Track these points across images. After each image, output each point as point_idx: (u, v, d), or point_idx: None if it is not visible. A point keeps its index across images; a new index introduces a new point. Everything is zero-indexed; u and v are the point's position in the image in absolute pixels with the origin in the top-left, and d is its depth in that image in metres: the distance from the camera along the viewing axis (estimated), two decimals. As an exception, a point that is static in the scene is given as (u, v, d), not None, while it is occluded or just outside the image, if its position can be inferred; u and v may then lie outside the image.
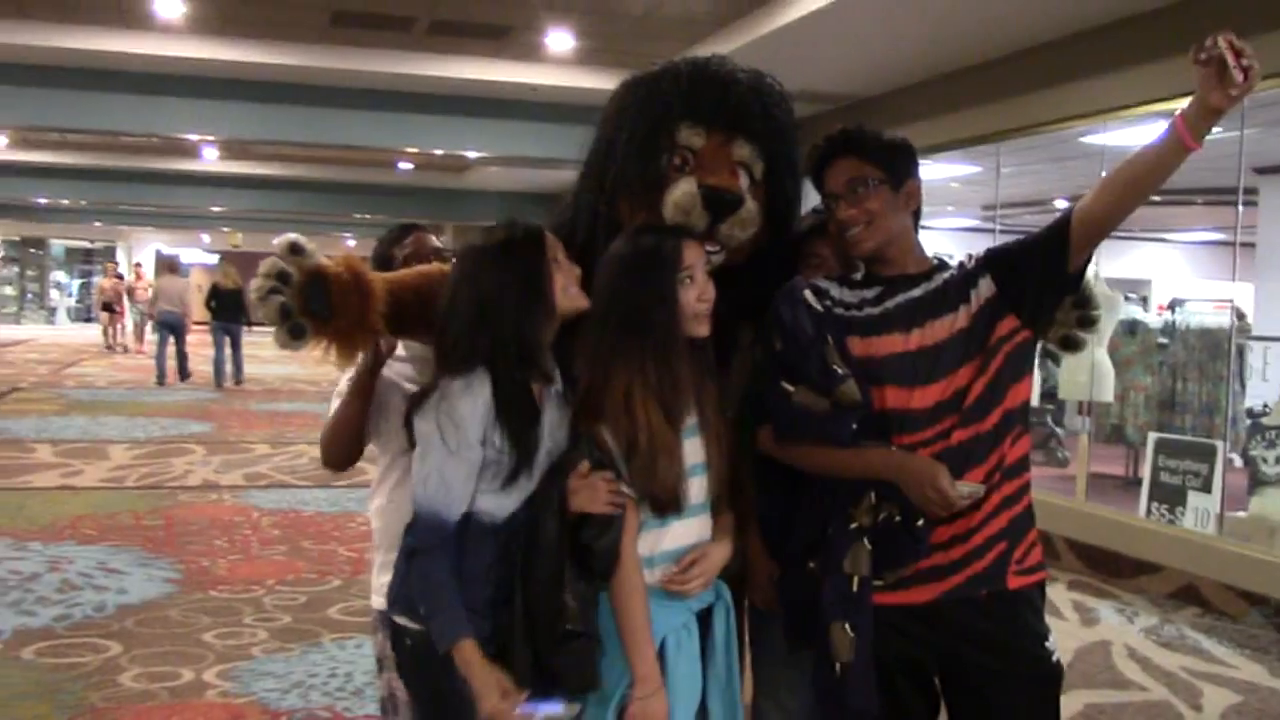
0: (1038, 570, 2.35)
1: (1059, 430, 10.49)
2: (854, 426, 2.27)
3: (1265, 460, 6.90)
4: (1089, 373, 8.49)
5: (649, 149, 2.49)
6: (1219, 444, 7.12)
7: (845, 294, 2.37)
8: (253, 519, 7.61)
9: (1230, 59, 1.95)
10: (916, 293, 2.32)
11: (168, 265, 18.46)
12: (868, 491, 2.27)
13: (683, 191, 2.41)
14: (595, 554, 2.17)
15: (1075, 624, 5.90)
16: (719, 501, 2.36)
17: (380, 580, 2.66)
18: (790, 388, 2.31)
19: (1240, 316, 11.77)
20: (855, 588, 2.25)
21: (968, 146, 8.81)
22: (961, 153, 9.39)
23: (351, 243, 30.55)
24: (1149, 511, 7.20)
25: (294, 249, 2.31)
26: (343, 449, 2.66)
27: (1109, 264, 19.22)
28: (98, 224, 29.37)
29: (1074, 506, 7.46)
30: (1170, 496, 7.13)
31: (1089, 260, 2.27)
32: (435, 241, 2.93)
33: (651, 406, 2.20)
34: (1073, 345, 2.78)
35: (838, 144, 2.37)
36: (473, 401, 2.17)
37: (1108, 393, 8.83)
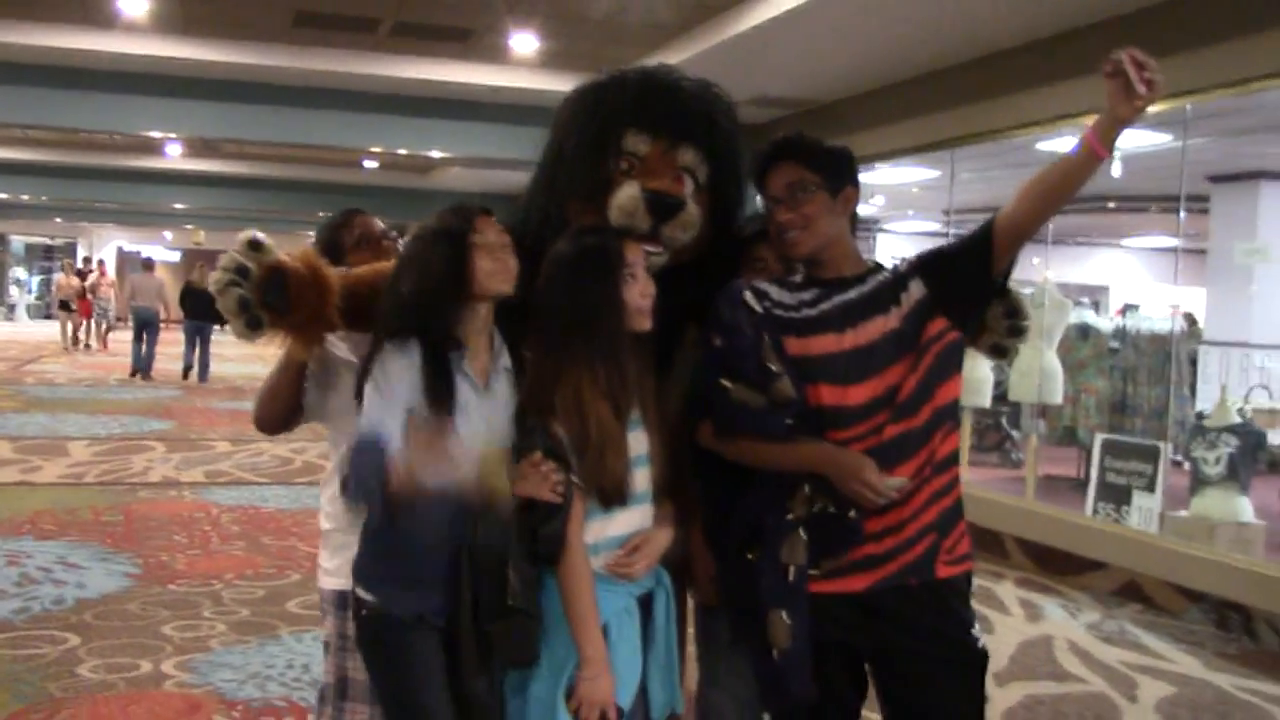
0: (965, 560, 2.47)
1: (1014, 433, 10.66)
2: (788, 422, 2.37)
3: (1206, 461, 7.07)
4: (1038, 375, 8.65)
5: (597, 154, 2.61)
6: (1162, 445, 7.30)
7: (784, 295, 2.48)
8: (212, 515, 7.65)
9: (1133, 72, 2.09)
10: (851, 295, 2.43)
11: (143, 263, 18.58)
12: (802, 484, 2.38)
13: (627, 195, 2.52)
14: (540, 539, 2.28)
15: (1020, 619, 6.04)
16: (660, 491, 2.46)
17: (333, 563, 2.74)
18: (729, 384, 2.41)
19: (1192, 322, 12.02)
20: (792, 577, 2.36)
21: (924, 152, 8.97)
22: (922, 157, 9.54)
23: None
24: (1095, 511, 7.36)
25: (254, 245, 2.41)
26: (275, 416, 2.78)
27: (1068, 269, 19.60)
28: (58, 220, 29.16)
29: (1023, 506, 7.62)
30: (1116, 496, 7.29)
31: (1013, 263, 2.39)
32: (380, 224, 3.00)
33: (600, 402, 2.32)
34: (1001, 353, 2.92)
35: (779, 150, 2.47)
36: (404, 361, 2.30)
37: (1057, 395, 8.99)
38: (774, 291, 2.48)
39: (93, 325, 23.76)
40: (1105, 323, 10.22)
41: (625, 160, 2.60)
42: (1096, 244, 20.57)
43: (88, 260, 27.24)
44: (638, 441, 2.40)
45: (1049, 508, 7.57)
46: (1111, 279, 20.97)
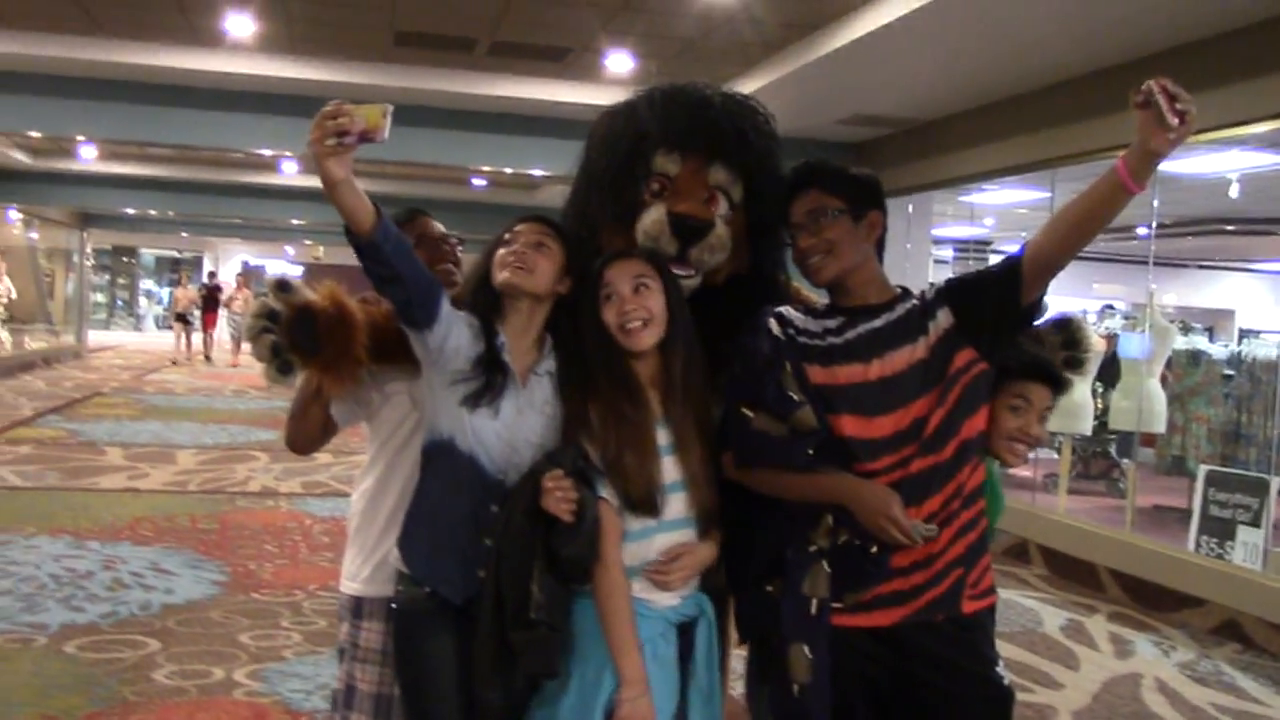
0: (990, 594, 2.39)
1: (1123, 461, 10.34)
2: (810, 452, 2.32)
3: (1315, 495, 6.76)
4: (1139, 402, 8.38)
5: (626, 177, 2.59)
6: (1271, 478, 7.00)
7: (809, 323, 2.43)
8: (305, 525, 7.80)
9: (1164, 103, 1.98)
10: (878, 323, 2.37)
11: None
12: (825, 515, 2.32)
13: (652, 219, 2.50)
14: (563, 560, 2.26)
15: (1109, 655, 5.83)
16: (705, 517, 2.41)
17: (351, 568, 2.76)
18: (750, 413, 2.36)
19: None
20: (814, 610, 2.30)
21: (1025, 172, 8.76)
22: (1024, 177, 9.32)
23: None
24: (1198, 545, 7.10)
25: (282, 286, 2.48)
26: (307, 435, 2.79)
27: (1190, 293, 19.00)
28: (185, 235, 30.13)
29: (1120, 537, 7.37)
30: (1220, 530, 7.02)
31: (1044, 293, 2.30)
32: (440, 227, 3.01)
33: (610, 415, 2.32)
34: (1059, 386, 2.80)
35: (801, 177, 2.45)
36: (469, 318, 2.45)
37: (1159, 423, 8.70)
38: (799, 319, 2.43)
39: (213, 338, 23.96)
40: (1219, 349, 9.86)
41: (656, 181, 2.57)
42: (1221, 267, 19.92)
43: (213, 274, 27.23)
44: (676, 466, 2.37)
45: (1147, 540, 7.31)
46: (1237, 303, 20.30)
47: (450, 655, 2.37)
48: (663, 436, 2.37)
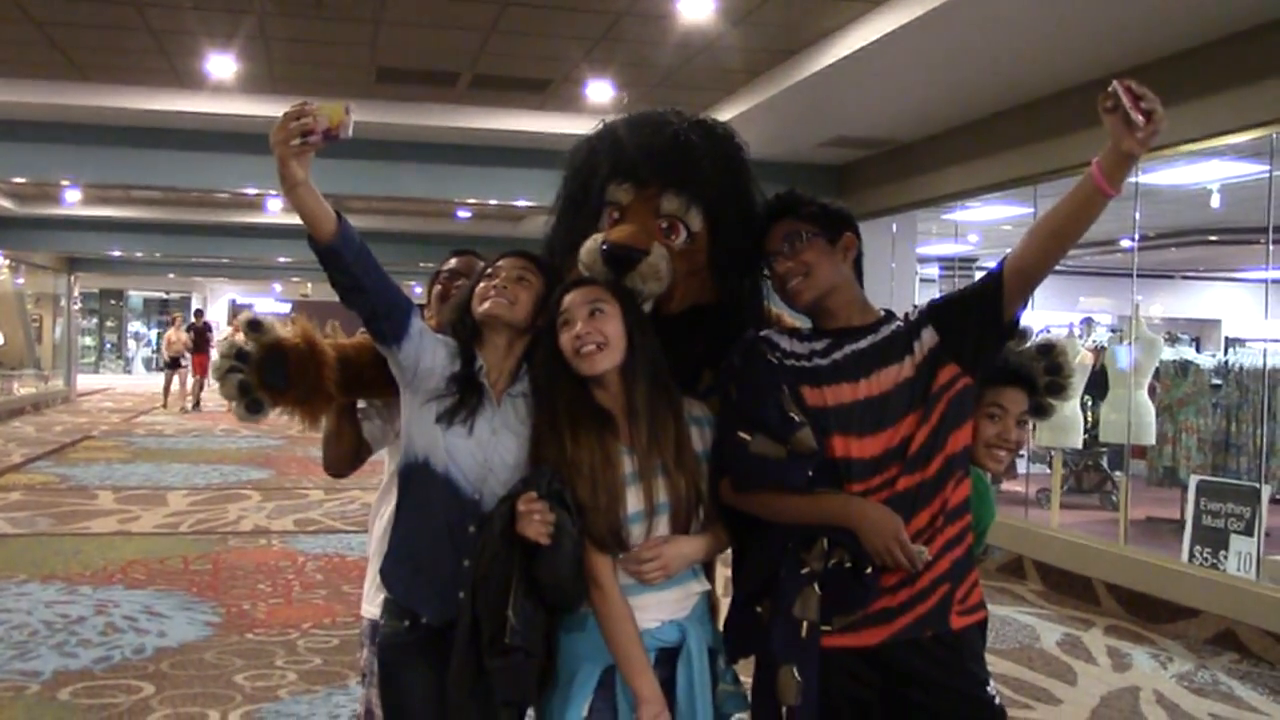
0: (979, 610, 2.39)
1: (1115, 474, 10.36)
2: (810, 474, 2.32)
3: (1306, 502, 6.78)
4: (1128, 415, 8.40)
5: (583, 208, 2.62)
6: (1262, 486, 7.02)
7: (796, 345, 2.43)
8: (298, 563, 7.77)
9: (1128, 102, 2.00)
10: (863, 344, 2.38)
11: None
12: (820, 537, 2.32)
13: (586, 249, 2.53)
14: (542, 586, 2.26)
15: (1106, 669, 5.83)
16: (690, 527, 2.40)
17: (370, 590, 2.78)
18: (747, 436, 2.35)
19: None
20: (805, 633, 2.29)
21: (1007, 189, 8.80)
22: (1006, 194, 9.36)
23: (418, 290, 30.99)
24: (1192, 555, 7.10)
25: (252, 325, 2.50)
26: (341, 458, 2.84)
27: (1176, 304, 19.07)
28: (171, 275, 30.13)
29: (1114, 550, 7.37)
30: (1213, 540, 7.03)
31: (1023, 309, 2.31)
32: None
33: (580, 443, 2.34)
34: (1042, 412, 2.81)
35: (775, 208, 2.48)
36: (445, 339, 2.51)
37: (1148, 435, 8.72)
38: (785, 342, 2.44)
39: (204, 383, 21.76)
40: (1206, 359, 9.89)
41: (612, 210, 2.59)
42: (1206, 277, 19.99)
43: (200, 313, 25.28)
44: (638, 496, 2.35)
45: (1141, 552, 7.32)
46: (1223, 312, 20.35)
47: (430, 688, 2.37)
48: (627, 465, 2.36)
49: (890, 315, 2.45)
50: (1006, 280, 2.26)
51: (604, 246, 2.48)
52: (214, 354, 2.62)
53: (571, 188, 2.68)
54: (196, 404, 21.82)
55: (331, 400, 2.58)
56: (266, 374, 2.48)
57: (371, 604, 2.78)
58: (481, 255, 2.95)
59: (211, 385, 17.78)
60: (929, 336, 2.34)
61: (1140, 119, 2.01)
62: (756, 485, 2.38)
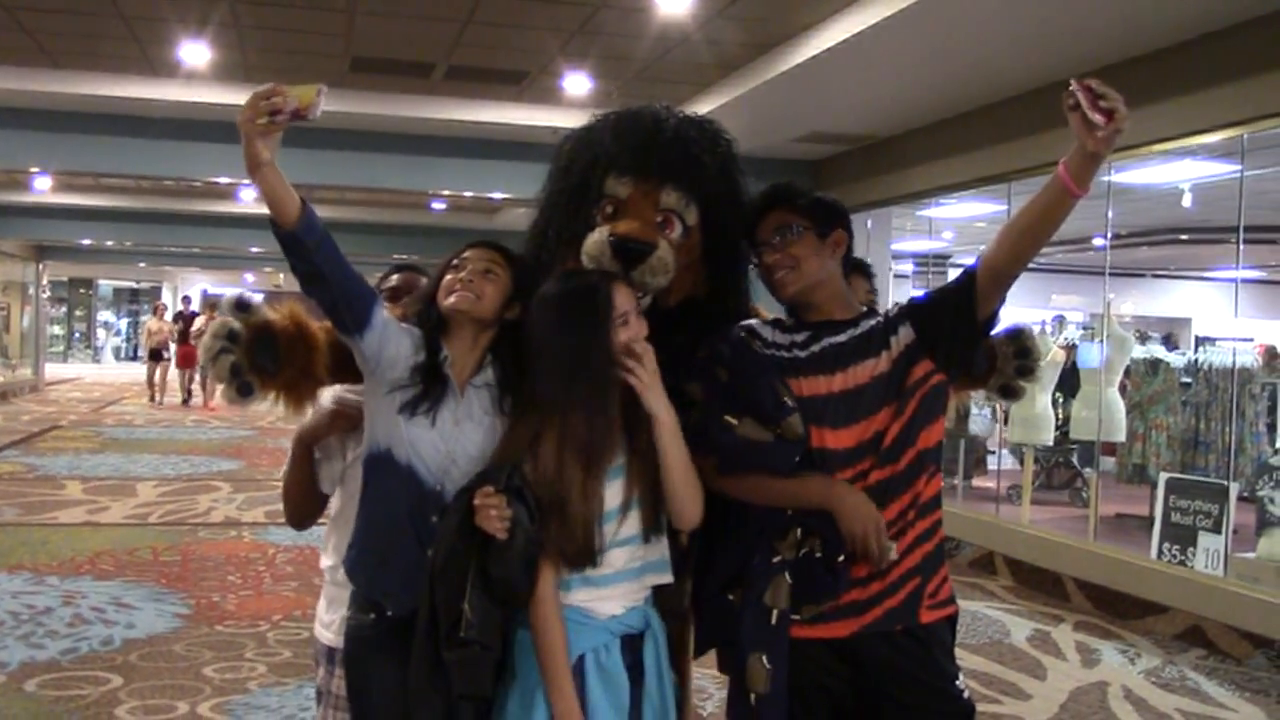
0: (949, 604, 2.40)
1: (1085, 471, 10.43)
2: (796, 459, 2.32)
3: (1273, 500, 6.83)
4: (1099, 412, 8.45)
5: (579, 201, 2.59)
6: (1230, 484, 7.07)
7: (777, 336, 2.45)
8: (268, 555, 7.72)
9: (1085, 101, 2.00)
10: (841, 338, 2.40)
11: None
12: (794, 526, 2.32)
13: (594, 241, 2.49)
14: (492, 581, 2.24)
15: (1075, 665, 5.86)
16: (650, 532, 2.35)
17: (328, 616, 2.74)
18: (734, 421, 2.35)
19: (1273, 356, 11.68)
20: (774, 621, 2.30)
21: (982, 186, 8.84)
22: (981, 191, 9.39)
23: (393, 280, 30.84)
24: (1160, 552, 7.15)
25: (241, 306, 2.46)
26: (298, 510, 2.81)
27: (1148, 302, 19.21)
28: (142, 265, 29.88)
29: (1084, 547, 7.42)
30: (1181, 537, 7.08)
31: (1000, 305, 2.32)
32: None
33: (574, 461, 2.27)
34: (1010, 394, 2.84)
35: (768, 199, 2.48)
36: (410, 329, 2.47)
37: (1119, 432, 8.77)
38: (767, 332, 2.46)
39: (195, 375, 20.10)
40: (1177, 357, 9.96)
41: (609, 204, 2.57)
42: (1177, 276, 20.15)
43: (187, 300, 23.33)
44: (628, 486, 2.33)
45: (1110, 548, 7.37)
46: (1193, 311, 20.51)
47: (395, 682, 2.35)
48: (618, 460, 2.34)
49: (872, 311, 2.47)
50: (980, 279, 2.27)
51: (612, 239, 2.47)
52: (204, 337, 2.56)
53: (566, 180, 2.65)
54: (189, 397, 20.29)
55: (321, 385, 2.56)
56: (256, 356, 2.45)
57: (328, 629, 2.75)
58: (424, 271, 2.93)
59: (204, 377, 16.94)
60: (906, 333, 2.35)
61: (1099, 118, 2.01)
62: (744, 469, 2.38)
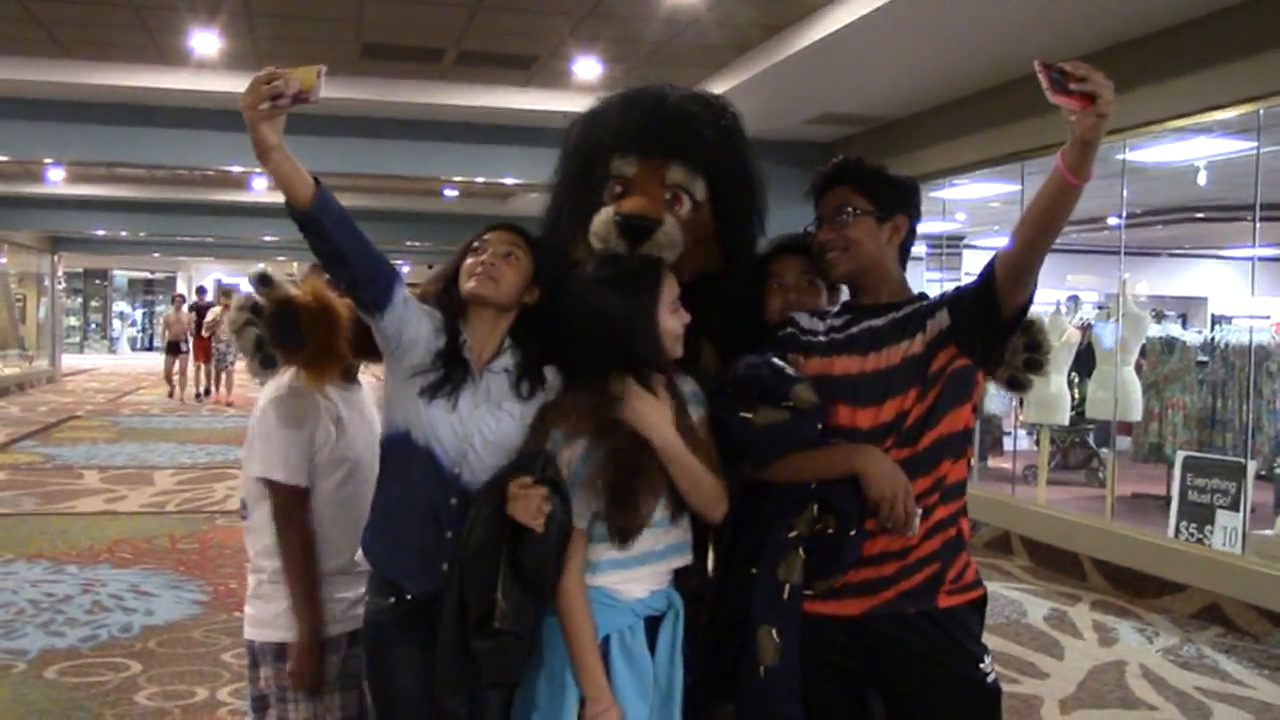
0: (974, 588, 2.39)
1: (1102, 450, 10.39)
2: (820, 426, 2.32)
3: (1290, 477, 6.81)
4: (1114, 391, 8.41)
5: (586, 182, 2.59)
6: (1247, 462, 7.04)
7: (815, 323, 2.47)
8: (285, 542, 7.73)
9: (1044, 83, 1.96)
10: (880, 321, 2.40)
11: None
12: (811, 503, 2.32)
13: (600, 220, 2.49)
14: (524, 570, 2.23)
15: (1093, 643, 5.85)
16: (676, 514, 2.37)
17: (268, 612, 2.76)
18: (750, 415, 2.35)
19: (1292, 332, 11.60)
20: (786, 595, 2.30)
21: (993, 166, 8.79)
22: (993, 171, 9.35)
23: (406, 269, 30.90)
24: (1178, 531, 7.13)
25: (263, 280, 2.47)
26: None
27: (1164, 282, 19.10)
28: (156, 255, 29.98)
29: (1101, 526, 7.40)
30: (1199, 515, 7.06)
31: (1028, 298, 2.28)
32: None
33: (625, 431, 2.27)
34: (1018, 386, 2.83)
35: (834, 172, 2.48)
36: (431, 312, 2.48)
37: (1135, 411, 8.73)
38: (804, 320, 2.49)
39: (211, 370, 19.23)
40: (1193, 336, 9.92)
41: (616, 184, 2.57)
42: (1193, 255, 20.02)
43: (202, 291, 22.38)
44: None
45: (1127, 528, 7.35)
46: (1209, 290, 20.40)
47: (418, 665, 2.37)
48: None
49: (922, 296, 2.47)
50: (998, 269, 2.24)
51: (618, 218, 2.46)
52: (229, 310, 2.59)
53: (573, 164, 2.66)
54: (206, 391, 19.33)
55: (344, 360, 2.57)
56: (279, 330, 2.47)
57: (269, 626, 2.73)
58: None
59: (233, 366, 16.80)
60: (942, 318, 2.34)
61: (1058, 100, 1.97)
62: (774, 455, 2.38)
